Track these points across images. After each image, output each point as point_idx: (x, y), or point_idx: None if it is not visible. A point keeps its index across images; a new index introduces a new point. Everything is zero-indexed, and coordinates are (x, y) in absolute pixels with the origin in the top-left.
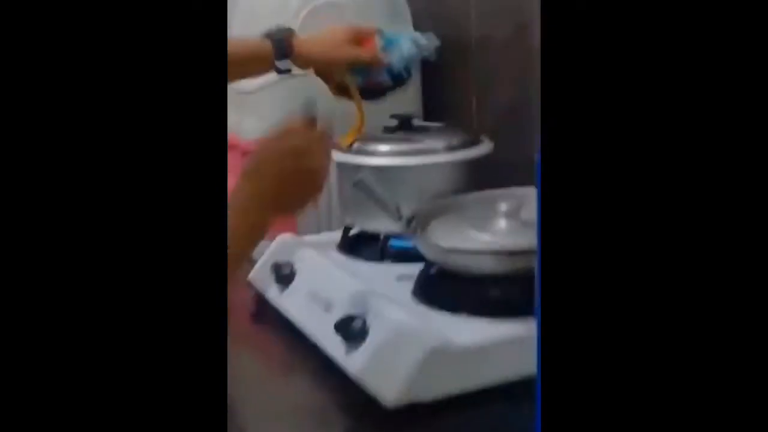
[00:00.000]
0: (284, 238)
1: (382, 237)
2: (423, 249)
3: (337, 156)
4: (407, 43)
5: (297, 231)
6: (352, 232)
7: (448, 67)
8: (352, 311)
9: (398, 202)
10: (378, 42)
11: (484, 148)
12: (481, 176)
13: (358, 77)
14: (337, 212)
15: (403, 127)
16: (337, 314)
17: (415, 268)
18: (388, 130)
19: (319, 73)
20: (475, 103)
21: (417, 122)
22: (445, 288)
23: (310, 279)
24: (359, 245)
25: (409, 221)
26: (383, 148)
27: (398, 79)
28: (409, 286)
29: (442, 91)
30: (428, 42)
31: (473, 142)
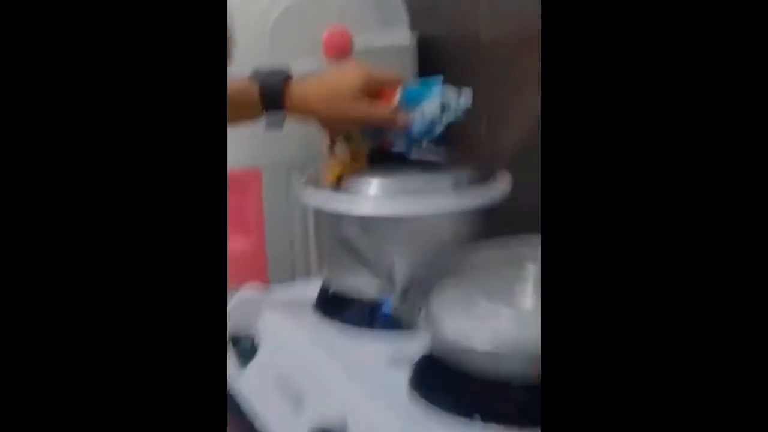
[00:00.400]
0: (245, 295)
1: (370, 301)
2: (424, 335)
3: (313, 198)
4: (434, 103)
5: (268, 278)
6: (333, 289)
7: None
8: (327, 421)
9: (390, 261)
10: (398, 96)
11: (501, 184)
12: (497, 218)
13: (367, 138)
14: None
15: (397, 158)
16: (310, 414)
17: (412, 344)
18: (376, 158)
19: (320, 124)
20: (485, 122)
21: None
22: (454, 383)
23: (275, 358)
24: (341, 304)
25: (405, 292)
26: (372, 189)
27: (415, 145)
28: (406, 373)
29: None
30: (460, 102)
31: (486, 177)
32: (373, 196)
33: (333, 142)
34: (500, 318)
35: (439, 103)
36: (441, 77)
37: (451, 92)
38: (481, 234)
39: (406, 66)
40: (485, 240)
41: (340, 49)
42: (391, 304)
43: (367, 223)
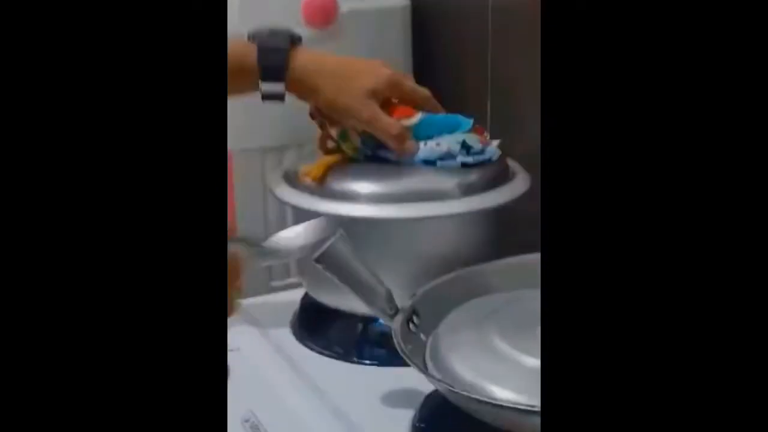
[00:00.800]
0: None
1: (359, 320)
2: (433, 380)
3: (292, 196)
4: (455, 139)
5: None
6: (315, 302)
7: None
8: None
9: (388, 282)
10: (416, 119)
11: (518, 185)
12: (515, 227)
13: (365, 147)
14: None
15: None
16: None
17: (411, 380)
18: (369, 156)
19: (318, 110)
20: (490, 107)
21: None
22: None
23: (244, 394)
24: (324, 325)
25: (409, 318)
26: (364, 188)
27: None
28: (408, 415)
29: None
30: (487, 151)
31: (501, 177)
32: (366, 195)
33: (327, 134)
34: (523, 367)
35: (461, 140)
36: (472, 120)
37: (477, 138)
38: (495, 244)
39: (399, 30)
40: (501, 252)
41: (323, 14)
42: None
43: (359, 229)
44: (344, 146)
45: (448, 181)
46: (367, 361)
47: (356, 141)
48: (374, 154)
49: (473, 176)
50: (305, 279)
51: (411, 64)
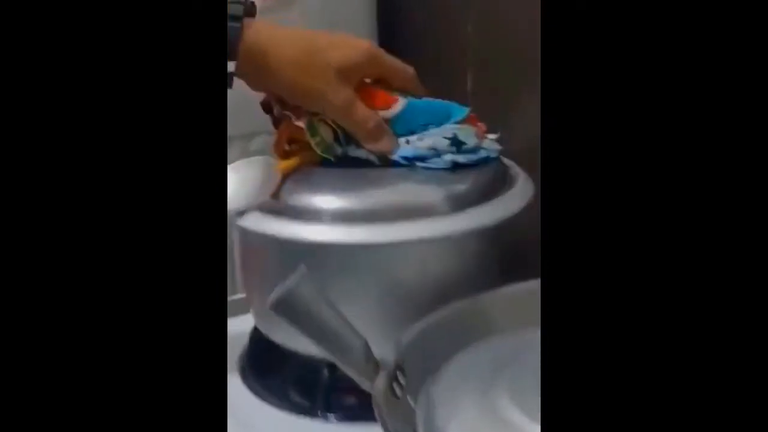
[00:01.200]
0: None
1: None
2: None
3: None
4: (444, 133)
5: None
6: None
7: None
8: None
9: (361, 325)
10: (399, 107)
11: (520, 193)
12: (517, 244)
13: (337, 146)
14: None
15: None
16: None
17: None
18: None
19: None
20: (471, 82)
21: None
22: None
23: None
24: (278, 363)
25: (393, 378)
26: (329, 204)
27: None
28: None
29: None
30: (483, 147)
31: (499, 184)
32: (330, 213)
33: (286, 132)
34: None
35: (452, 135)
36: (468, 109)
37: (473, 132)
38: (495, 269)
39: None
40: (503, 277)
41: None
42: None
43: (321, 259)
44: (313, 142)
45: (434, 193)
46: (336, 416)
47: (328, 136)
48: (347, 154)
49: (465, 185)
50: (253, 308)
51: (376, 35)
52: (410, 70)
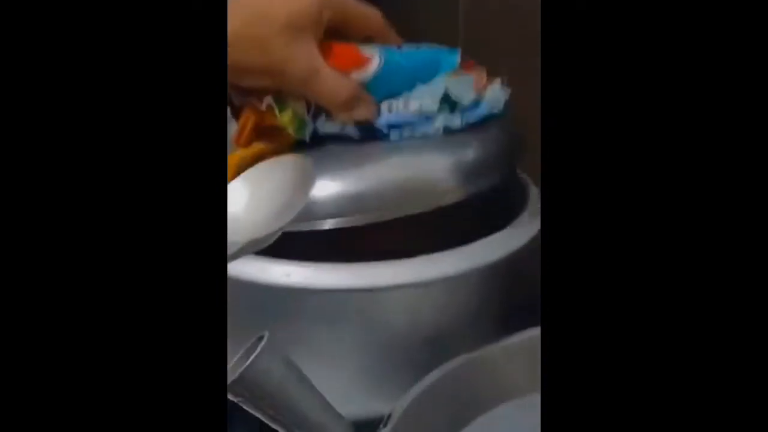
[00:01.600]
0: None
1: None
2: None
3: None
4: (433, 93)
5: None
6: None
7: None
8: None
9: (336, 393)
10: (375, 64)
11: (526, 227)
12: (526, 277)
13: (309, 122)
14: None
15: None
16: None
17: None
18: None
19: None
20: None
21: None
22: None
23: None
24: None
25: None
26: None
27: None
28: None
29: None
30: (487, 98)
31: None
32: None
33: (251, 116)
34: None
35: (441, 95)
36: (459, 50)
37: (468, 83)
38: (505, 311)
39: None
40: (513, 321)
41: None
42: None
43: (285, 305)
44: (283, 119)
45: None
46: None
47: (301, 108)
48: (317, 131)
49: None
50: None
51: None
52: (377, 14)
